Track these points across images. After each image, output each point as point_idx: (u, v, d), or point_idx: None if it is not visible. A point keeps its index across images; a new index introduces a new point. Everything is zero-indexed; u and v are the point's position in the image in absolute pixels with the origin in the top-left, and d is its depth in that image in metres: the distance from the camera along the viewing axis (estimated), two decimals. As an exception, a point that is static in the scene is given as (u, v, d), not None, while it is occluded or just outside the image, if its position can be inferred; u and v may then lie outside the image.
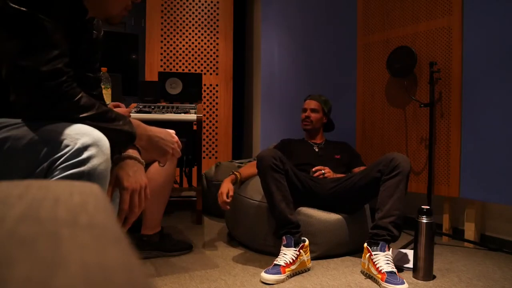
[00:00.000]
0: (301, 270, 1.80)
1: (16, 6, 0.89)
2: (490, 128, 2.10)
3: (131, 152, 1.05)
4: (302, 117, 2.46)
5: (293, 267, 1.74)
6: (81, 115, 0.94)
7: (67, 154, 0.84)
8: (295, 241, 1.80)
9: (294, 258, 1.75)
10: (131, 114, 2.40)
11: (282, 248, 1.81)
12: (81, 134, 0.86)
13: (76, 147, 0.84)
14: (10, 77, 0.91)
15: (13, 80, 0.91)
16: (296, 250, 1.78)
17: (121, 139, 1.03)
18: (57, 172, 0.84)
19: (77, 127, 0.89)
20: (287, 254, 1.76)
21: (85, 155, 0.84)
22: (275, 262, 1.75)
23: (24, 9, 0.89)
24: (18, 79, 0.91)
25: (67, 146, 0.85)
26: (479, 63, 2.15)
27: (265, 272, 1.68)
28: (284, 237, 1.82)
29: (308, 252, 1.85)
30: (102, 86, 2.19)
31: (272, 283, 1.65)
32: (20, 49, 0.89)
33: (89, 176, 0.84)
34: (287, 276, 1.71)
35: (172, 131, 1.19)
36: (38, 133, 0.87)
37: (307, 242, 1.85)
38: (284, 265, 1.71)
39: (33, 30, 0.90)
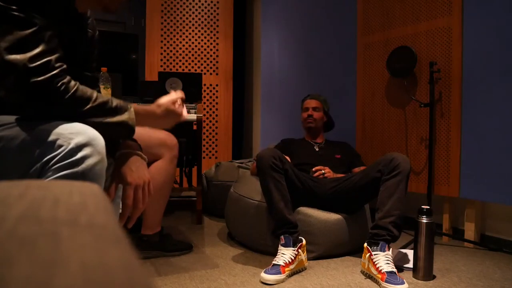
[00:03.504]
0: (299, 269, 1.80)
1: (5, 5, 0.87)
2: (490, 128, 2.10)
3: (134, 148, 1.05)
4: (305, 116, 2.46)
5: (292, 266, 1.74)
6: (77, 110, 0.91)
7: (61, 155, 0.82)
8: (293, 241, 1.80)
9: (292, 258, 1.75)
10: None
11: (280, 247, 1.80)
12: (75, 133, 0.84)
13: (70, 147, 0.82)
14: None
15: (2, 76, 0.88)
16: (294, 250, 1.78)
17: (120, 134, 1.01)
18: (50, 173, 0.82)
19: (71, 125, 0.87)
20: (285, 254, 1.76)
21: (79, 155, 0.82)
22: (274, 262, 1.75)
23: (14, 7, 0.87)
24: (6, 75, 0.88)
25: (60, 146, 0.83)
26: (479, 63, 2.15)
27: (265, 272, 1.68)
28: (282, 237, 1.82)
29: (305, 251, 1.86)
30: (102, 86, 2.19)
31: (273, 283, 1.65)
32: (9, 44, 0.87)
33: (83, 176, 0.82)
34: (287, 275, 1.71)
35: (169, 99, 1.12)
36: (31, 133, 0.85)
37: (304, 242, 1.85)
38: (284, 264, 1.71)
39: (22, 26, 0.88)
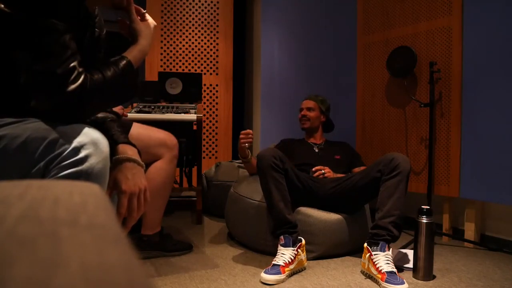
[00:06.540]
0: (299, 269, 1.80)
1: (26, 13, 0.88)
2: (490, 128, 2.10)
3: (130, 153, 1.03)
4: (299, 117, 2.48)
5: (291, 266, 1.74)
6: (105, 103, 1.01)
7: (64, 153, 0.83)
8: (292, 241, 1.80)
9: (292, 258, 1.75)
10: (128, 114, 2.40)
11: (280, 248, 1.80)
12: (77, 133, 0.85)
13: (73, 146, 0.83)
14: (28, 83, 0.90)
15: (32, 85, 0.90)
16: (294, 250, 1.78)
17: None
18: (54, 172, 0.83)
19: (74, 126, 0.88)
20: (285, 254, 1.76)
21: (82, 154, 0.83)
22: (273, 262, 1.75)
23: (33, 15, 0.88)
24: (37, 86, 0.90)
25: (63, 145, 0.84)
26: (479, 63, 2.15)
27: (265, 272, 1.68)
28: (282, 237, 1.82)
29: (305, 251, 1.86)
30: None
31: (273, 283, 1.65)
32: (36, 54, 0.89)
33: (87, 175, 0.83)
34: (287, 275, 1.71)
35: None
36: (34, 132, 0.86)
37: (303, 241, 1.85)
38: (284, 264, 1.71)
39: (45, 34, 0.90)
